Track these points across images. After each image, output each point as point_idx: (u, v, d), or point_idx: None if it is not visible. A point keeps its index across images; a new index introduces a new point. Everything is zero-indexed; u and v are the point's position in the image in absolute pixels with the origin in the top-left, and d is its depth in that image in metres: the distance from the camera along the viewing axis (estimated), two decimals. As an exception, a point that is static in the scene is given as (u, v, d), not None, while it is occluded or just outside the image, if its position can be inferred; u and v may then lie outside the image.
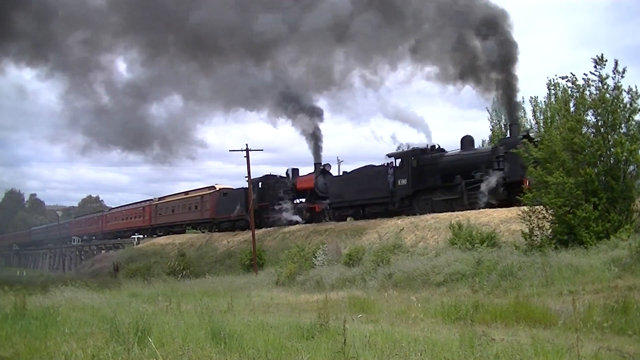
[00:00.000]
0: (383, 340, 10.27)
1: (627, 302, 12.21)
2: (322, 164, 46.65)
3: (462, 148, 33.90)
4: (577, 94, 22.30)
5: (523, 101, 54.98)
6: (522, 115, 54.10)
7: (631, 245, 17.92)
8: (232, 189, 55.43)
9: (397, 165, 36.17)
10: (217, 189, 57.32)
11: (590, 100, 21.67)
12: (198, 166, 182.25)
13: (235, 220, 50.91)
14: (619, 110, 21.25)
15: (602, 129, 21.27)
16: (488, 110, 56.22)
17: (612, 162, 20.74)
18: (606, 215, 20.43)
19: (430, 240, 28.76)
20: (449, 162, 33.63)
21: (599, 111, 21.39)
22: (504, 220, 26.83)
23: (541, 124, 50.40)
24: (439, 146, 35.64)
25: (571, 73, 22.35)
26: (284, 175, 48.78)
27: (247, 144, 39.52)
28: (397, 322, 13.90)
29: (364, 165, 41.23)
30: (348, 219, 39.92)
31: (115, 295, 24.58)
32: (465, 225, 25.85)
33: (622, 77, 21.60)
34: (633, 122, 21.27)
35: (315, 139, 47.98)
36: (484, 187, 30.28)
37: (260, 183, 48.34)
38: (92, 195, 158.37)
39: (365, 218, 37.98)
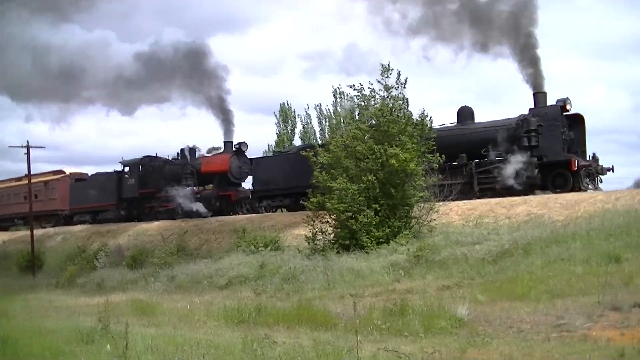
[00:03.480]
0: (165, 343, 10.15)
1: (404, 304, 12.53)
2: (237, 143, 37.50)
3: (459, 121, 29.00)
4: (363, 103, 22.99)
5: (308, 107, 56.78)
6: (309, 121, 55.73)
7: (409, 250, 18.70)
8: (87, 174, 47.50)
9: None
10: (68, 173, 47.81)
11: (373, 110, 22.38)
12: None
13: (99, 211, 42.27)
14: (396, 120, 22.03)
15: (382, 138, 21.93)
16: (275, 115, 57.17)
17: (391, 170, 21.37)
18: (386, 221, 21.08)
19: (214, 244, 28.60)
20: (444, 138, 26.43)
21: (381, 120, 22.09)
22: (287, 225, 27.15)
23: (326, 131, 52.03)
24: None
25: (360, 83, 22.93)
26: (175, 157, 39.91)
27: (27, 141, 37.19)
28: (180, 325, 13.75)
29: (302, 145, 33.75)
30: (279, 210, 33.29)
31: None
32: (249, 228, 25.88)
33: (404, 87, 22.60)
34: (407, 132, 21.99)
35: (223, 110, 38.53)
36: (509, 169, 25.38)
37: (140, 166, 39.90)
38: None
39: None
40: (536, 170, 25.09)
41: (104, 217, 41.80)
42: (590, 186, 25.15)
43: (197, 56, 39.06)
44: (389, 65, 22.41)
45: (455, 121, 28.94)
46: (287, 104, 57.53)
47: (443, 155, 22.50)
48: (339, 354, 8.97)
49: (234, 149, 36.96)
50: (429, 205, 21.68)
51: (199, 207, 35.66)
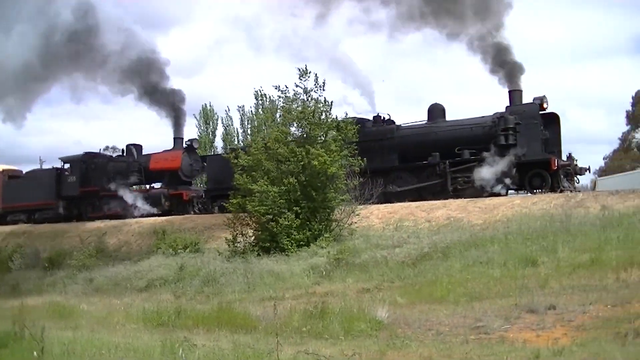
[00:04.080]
0: (83, 347, 9.95)
1: (324, 307, 12.51)
2: (188, 140, 35.78)
3: (430, 119, 28.16)
4: (286, 105, 22.97)
5: (229, 109, 56.53)
6: (230, 123, 55.48)
7: (330, 253, 18.75)
8: (21, 171, 44.19)
9: None
10: (0, 170, 43.71)
11: (295, 112, 22.38)
12: None
13: (37, 210, 39.20)
14: (319, 123, 22.10)
15: (304, 141, 21.96)
16: (195, 117, 56.62)
17: (312, 173, 21.37)
18: (307, 224, 21.08)
19: (134, 245, 28.11)
20: (415, 137, 27.49)
21: (303, 123, 22.12)
22: (208, 227, 26.94)
23: (248, 133, 51.92)
24: (390, 116, 29.67)
25: (285, 85, 22.87)
26: (120, 154, 38.47)
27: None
28: (98, 329, 13.41)
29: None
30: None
31: None
32: (169, 230, 25.56)
33: (324, 90, 22.61)
34: (331, 135, 22.08)
35: (173, 106, 35.91)
36: (485, 168, 25.05)
37: (82, 163, 37.34)
38: None
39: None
40: (514, 170, 24.78)
41: (42, 216, 39.19)
42: (568, 186, 24.94)
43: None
44: (306, 68, 22.43)
45: (426, 119, 28.27)
46: (209, 106, 57.20)
47: (365, 159, 22.63)
48: (259, 356, 8.94)
49: (184, 145, 35.36)
50: (350, 208, 21.77)
51: (146, 207, 34.13)
